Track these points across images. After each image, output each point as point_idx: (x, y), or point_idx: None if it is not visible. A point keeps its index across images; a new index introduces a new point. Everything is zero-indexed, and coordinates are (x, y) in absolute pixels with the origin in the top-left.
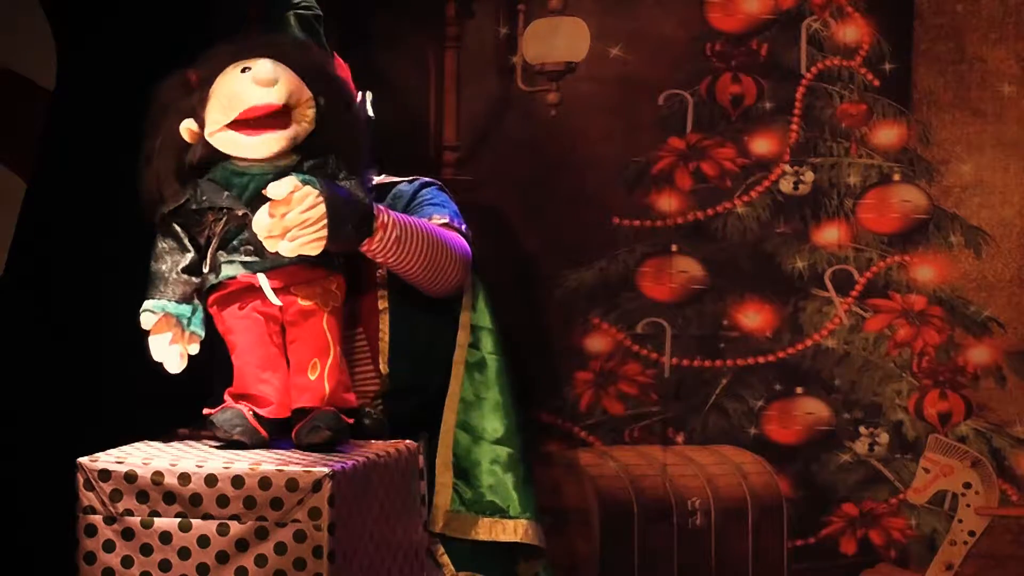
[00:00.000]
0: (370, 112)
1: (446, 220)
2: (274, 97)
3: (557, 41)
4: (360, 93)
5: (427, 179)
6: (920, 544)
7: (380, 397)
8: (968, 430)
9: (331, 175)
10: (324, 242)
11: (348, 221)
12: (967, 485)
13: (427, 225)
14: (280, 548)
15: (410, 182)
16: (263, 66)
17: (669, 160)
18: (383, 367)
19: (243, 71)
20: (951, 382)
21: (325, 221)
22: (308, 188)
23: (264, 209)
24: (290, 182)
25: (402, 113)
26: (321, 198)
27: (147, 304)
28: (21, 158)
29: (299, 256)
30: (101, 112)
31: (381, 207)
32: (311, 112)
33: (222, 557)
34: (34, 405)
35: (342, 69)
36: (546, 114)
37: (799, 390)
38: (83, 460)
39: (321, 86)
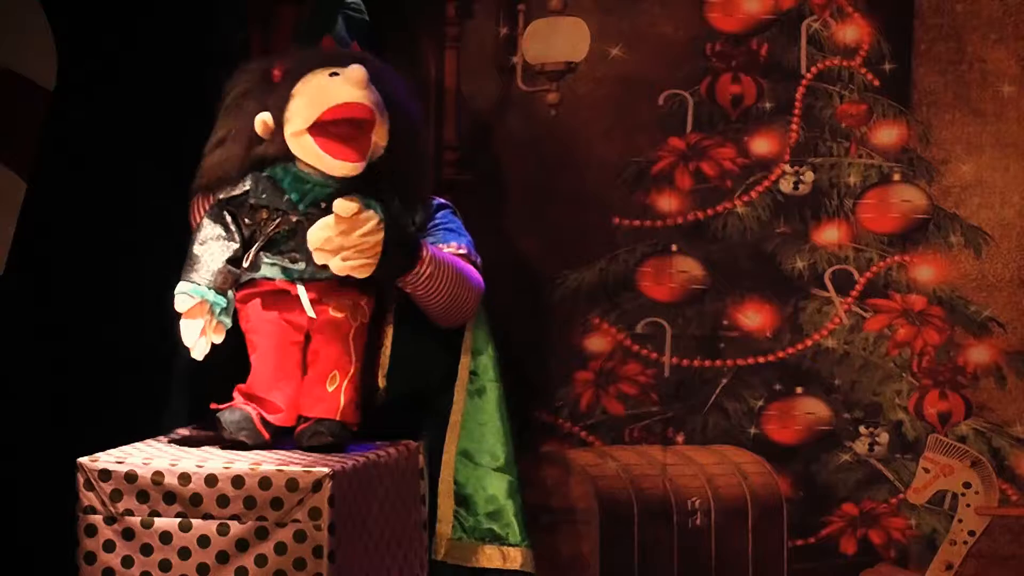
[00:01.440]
0: (420, 121)
1: (464, 251)
2: (364, 98)
3: (557, 41)
4: None
5: (441, 200)
6: (920, 544)
7: (374, 409)
8: (968, 430)
9: (389, 201)
10: (372, 269)
11: (398, 253)
12: (967, 485)
13: (455, 262)
14: (280, 548)
15: None
16: (356, 69)
17: (669, 160)
18: (381, 381)
19: (332, 75)
20: (951, 382)
21: (380, 250)
22: (372, 213)
23: (325, 222)
24: (355, 203)
25: None
26: (382, 226)
27: (185, 287)
28: (21, 158)
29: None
30: (101, 112)
31: (423, 241)
32: (385, 139)
33: (222, 557)
34: (34, 405)
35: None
36: (546, 114)
37: (799, 390)
38: (83, 460)
39: (397, 111)
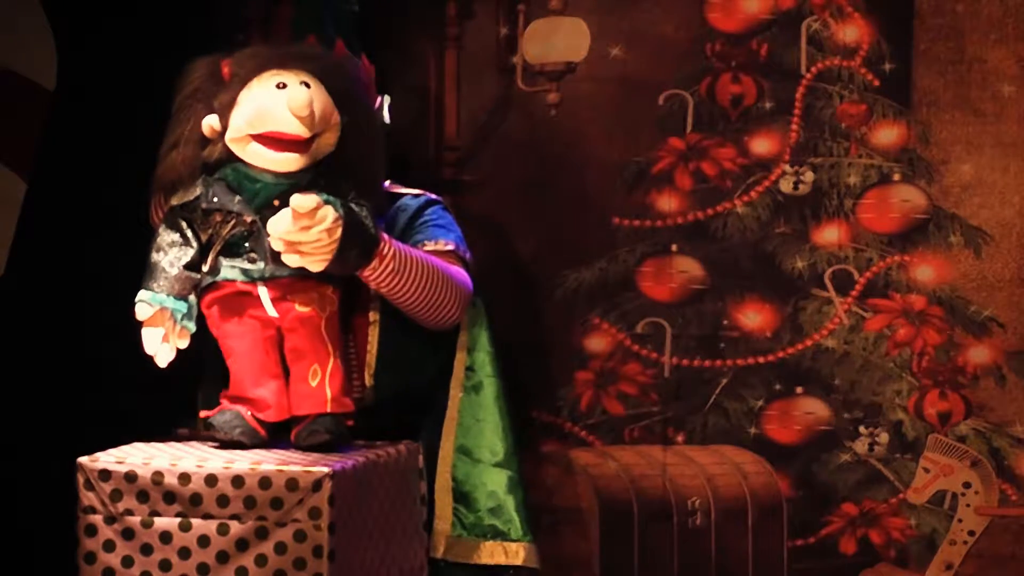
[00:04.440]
0: (386, 117)
1: (452, 247)
2: (304, 129)
3: (557, 41)
4: (379, 97)
5: (432, 196)
6: (920, 544)
7: (363, 408)
8: (968, 430)
9: (345, 196)
10: (327, 264)
11: (355, 248)
12: (967, 485)
13: (430, 259)
14: (280, 548)
15: (415, 196)
16: (299, 95)
17: (669, 160)
18: (368, 379)
19: (278, 87)
20: (951, 382)
21: (336, 246)
22: (330, 209)
23: (285, 214)
24: (314, 199)
25: (402, 113)
26: (340, 222)
27: (144, 295)
28: (21, 158)
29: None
30: (101, 112)
31: (386, 236)
32: (335, 135)
33: (222, 557)
34: (34, 405)
35: (367, 71)
36: (546, 114)
37: (799, 390)
38: (83, 460)
39: (348, 107)
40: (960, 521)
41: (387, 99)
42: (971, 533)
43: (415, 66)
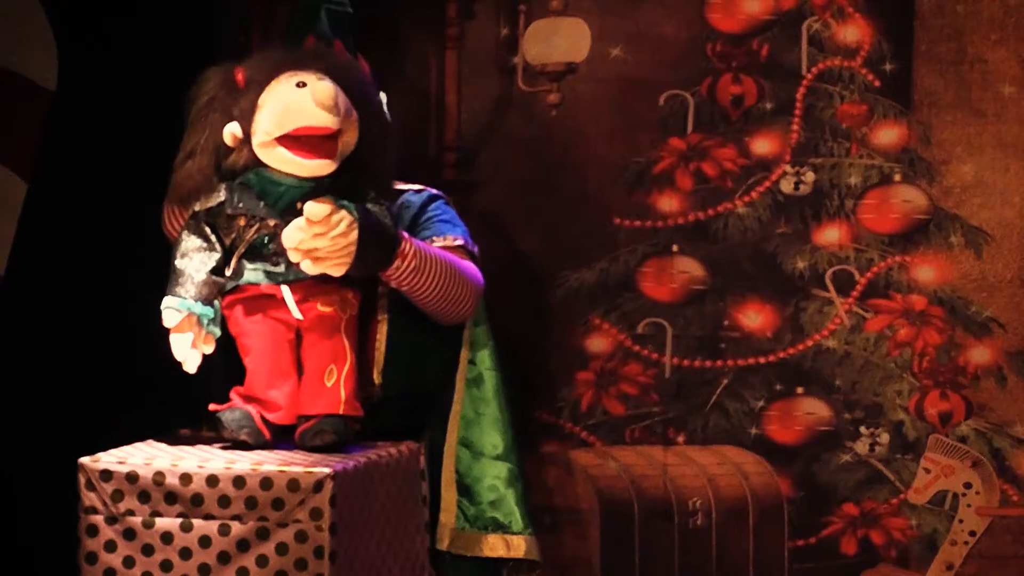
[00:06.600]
0: (387, 114)
1: (461, 242)
2: (331, 121)
3: (558, 41)
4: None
5: (434, 191)
6: (921, 544)
7: (370, 406)
8: (969, 430)
9: (363, 196)
10: (346, 268)
11: (374, 250)
12: (968, 485)
13: (448, 257)
14: (281, 548)
15: (417, 192)
16: (324, 88)
17: (670, 160)
18: (376, 377)
19: (298, 85)
20: (952, 382)
21: (353, 249)
22: (344, 214)
23: (298, 223)
24: (327, 205)
25: (403, 113)
26: (355, 226)
27: (171, 302)
28: (22, 158)
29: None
30: (102, 112)
31: (405, 235)
32: (355, 133)
33: (223, 557)
34: (34, 405)
35: (364, 67)
36: (547, 114)
37: (800, 390)
38: (85, 460)
39: (364, 105)
40: (961, 522)
41: (384, 97)
42: (972, 533)
43: (416, 66)
